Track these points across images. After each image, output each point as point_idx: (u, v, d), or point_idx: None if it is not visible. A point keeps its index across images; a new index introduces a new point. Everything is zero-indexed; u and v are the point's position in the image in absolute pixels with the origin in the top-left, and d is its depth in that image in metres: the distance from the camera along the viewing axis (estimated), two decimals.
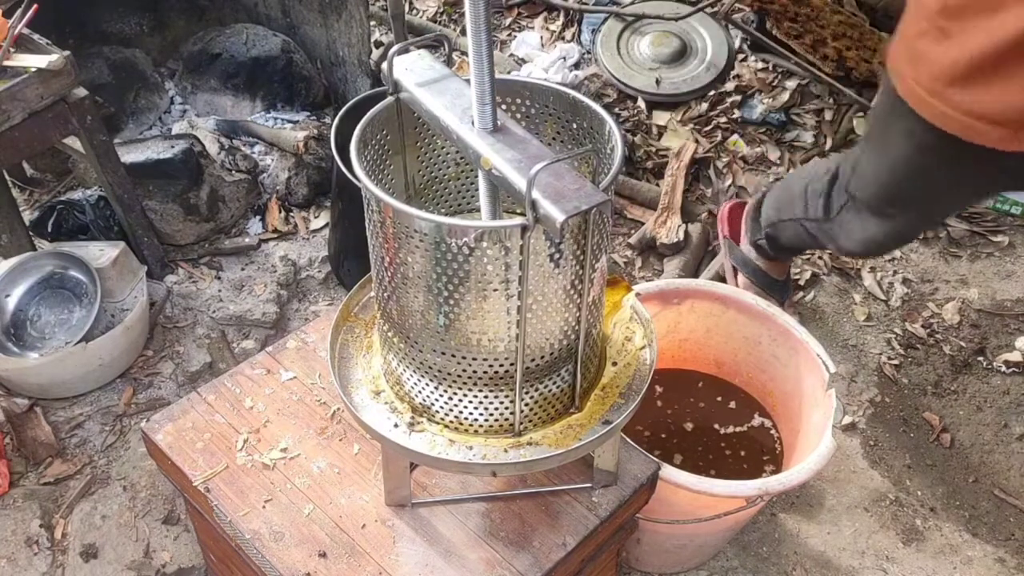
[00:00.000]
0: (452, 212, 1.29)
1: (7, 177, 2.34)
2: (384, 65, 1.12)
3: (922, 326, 2.51)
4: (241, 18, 3.02)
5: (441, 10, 3.58)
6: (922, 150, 1.56)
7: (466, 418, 1.15)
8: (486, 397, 1.13)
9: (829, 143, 2.96)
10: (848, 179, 1.82)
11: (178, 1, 2.97)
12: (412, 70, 1.11)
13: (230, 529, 1.33)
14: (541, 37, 3.38)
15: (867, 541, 2.04)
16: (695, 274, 2.59)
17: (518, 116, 1.18)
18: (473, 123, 1.03)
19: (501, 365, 1.09)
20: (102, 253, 2.23)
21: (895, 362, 2.41)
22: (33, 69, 1.94)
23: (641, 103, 3.06)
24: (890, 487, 2.14)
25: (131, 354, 2.25)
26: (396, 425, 1.19)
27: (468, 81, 1.04)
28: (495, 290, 1.01)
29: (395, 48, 1.10)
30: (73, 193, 2.56)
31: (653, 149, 2.91)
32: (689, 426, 2.06)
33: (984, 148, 1.42)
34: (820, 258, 2.67)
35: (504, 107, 1.16)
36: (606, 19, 3.29)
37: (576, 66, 3.21)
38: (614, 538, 1.43)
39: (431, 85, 1.09)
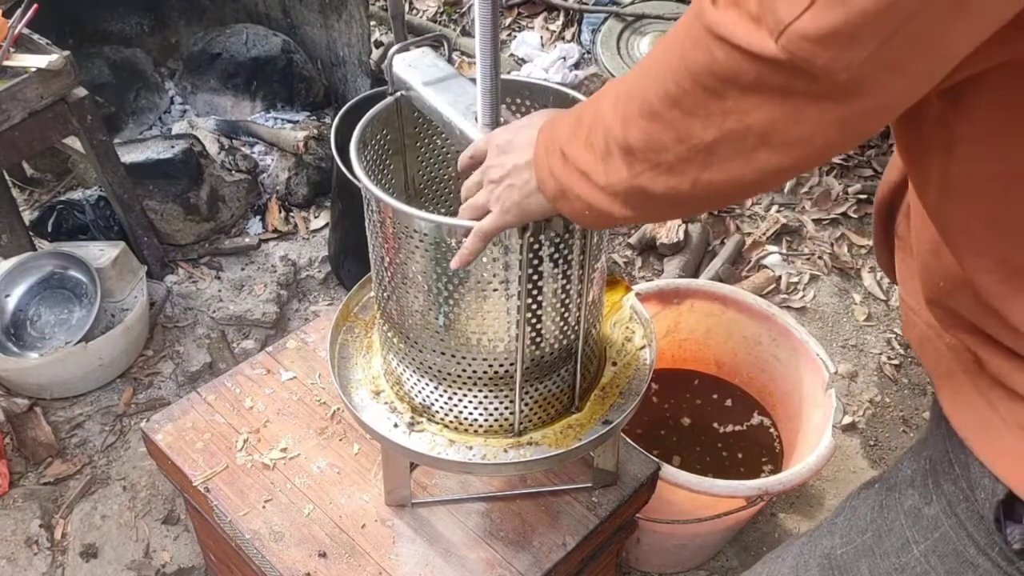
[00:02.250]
0: (452, 212, 1.29)
1: (7, 177, 2.33)
2: (385, 64, 1.12)
3: None
4: (241, 18, 3.02)
5: (441, 10, 3.58)
6: None
7: (466, 418, 1.15)
8: (486, 397, 1.13)
9: None
10: None
11: (178, 1, 2.97)
12: (416, 67, 1.11)
13: (230, 529, 1.33)
14: (541, 37, 3.38)
15: None
16: (695, 274, 2.59)
17: (519, 116, 1.18)
18: (476, 119, 1.03)
19: (501, 365, 1.09)
20: (102, 253, 2.23)
21: (895, 362, 2.41)
22: (33, 69, 1.94)
23: None
24: None
25: (131, 354, 2.25)
26: (396, 425, 1.18)
27: (471, 79, 1.04)
28: (495, 290, 1.01)
29: (395, 47, 1.10)
30: (73, 193, 2.56)
31: None
32: (688, 425, 2.06)
33: None
34: (820, 258, 2.67)
35: (504, 107, 1.16)
36: (606, 19, 3.29)
37: (576, 66, 3.21)
38: (614, 538, 1.43)
39: (435, 83, 1.09)
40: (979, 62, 0.64)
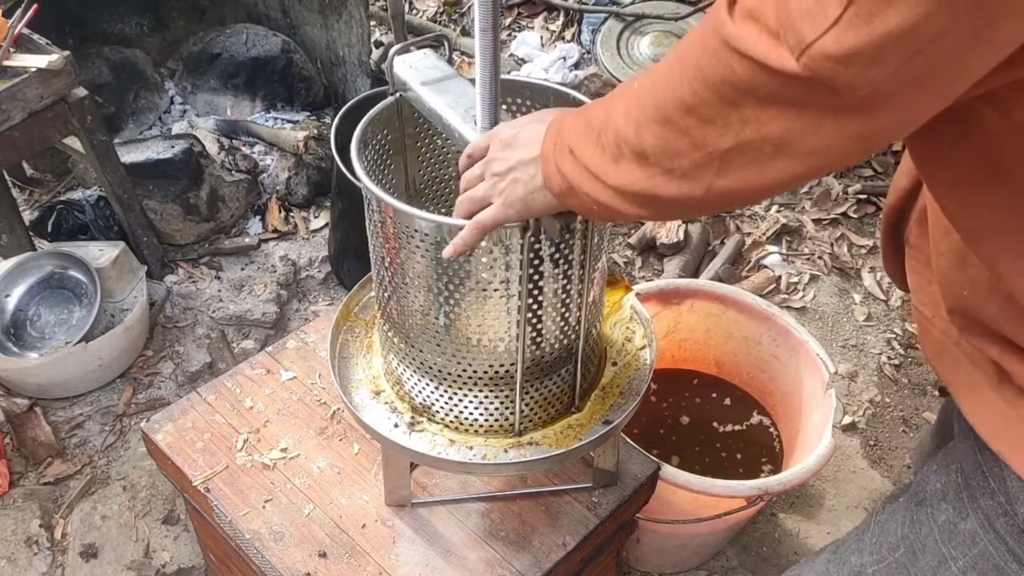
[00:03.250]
0: (452, 212, 1.29)
1: (7, 177, 2.33)
2: (385, 64, 1.12)
3: None
4: (241, 18, 3.02)
5: (441, 10, 3.58)
6: None
7: (466, 418, 1.15)
8: (486, 397, 1.13)
9: None
10: None
11: (178, 1, 2.97)
12: (416, 68, 1.11)
13: (230, 529, 1.32)
14: (541, 37, 3.38)
15: None
16: (695, 274, 2.59)
17: (519, 116, 1.17)
18: (476, 122, 1.03)
19: (501, 365, 1.09)
20: (102, 253, 2.23)
21: (895, 362, 2.41)
22: (33, 69, 1.94)
23: None
24: (890, 487, 2.14)
25: (131, 354, 2.25)
26: (396, 425, 1.18)
27: (471, 80, 1.04)
28: (495, 290, 1.01)
29: (395, 48, 1.10)
30: (73, 193, 2.56)
31: None
32: (687, 425, 2.05)
33: None
34: (820, 258, 2.67)
35: (504, 107, 1.16)
36: (606, 19, 3.29)
37: (576, 66, 3.21)
38: (614, 538, 1.43)
39: (434, 84, 1.09)
40: (1000, 77, 0.64)
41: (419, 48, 1.14)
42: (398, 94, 1.14)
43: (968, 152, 0.74)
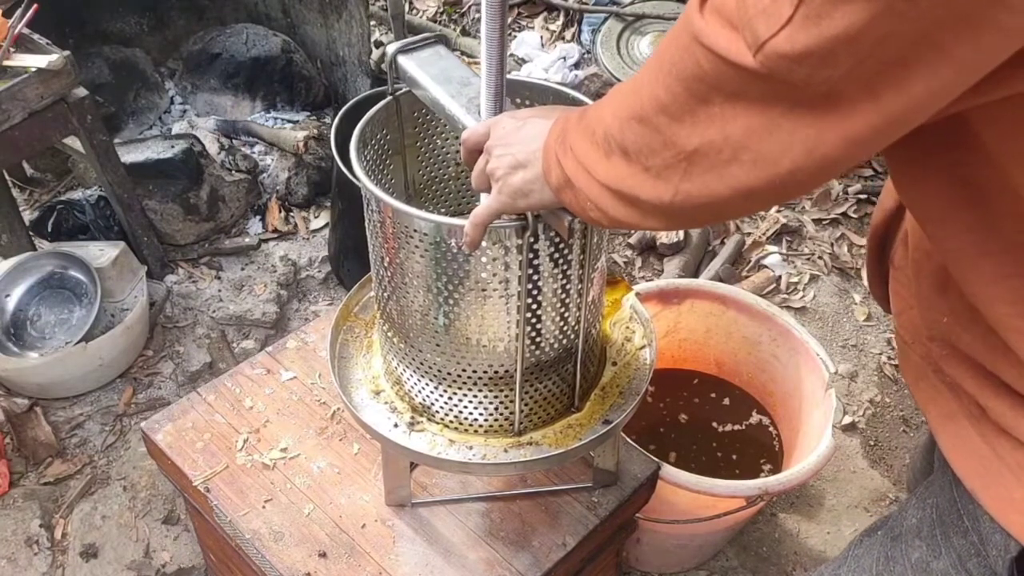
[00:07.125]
0: (452, 212, 1.29)
1: (7, 177, 2.33)
2: (386, 63, 1.12)
3: None
4: (241, 18, 3.02)
5: (441, 10, 3.58)
6: None
7: (466, 418, 1.15)
8: (486, 397, 1.13)
9: None
10: None
11: (178, 1, 2.97)
12: (420, 60, 1.11)
13: (230, 529, 1.33)
14: (541, 37, 3.38)
15: None
16: (695, 274, 2.59)
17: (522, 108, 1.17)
18: (480, 114, 1.03)
19: (501, 365, 1.09)
20: (102, 253, 2.23)
21: (895, 362, 2.41)
22: (33, 69, 1.94)
23: None
24: (890, 487, 2.14)
25: (131, 354, 2.25)
26: (396, 425, 1.18)
27: (475, 74, 1.04)
28: (495, 290, 1.01)
29: (396, 45, 1.10)
30: (73, 193, 2.56)
31: None
32: (687, 424, 2.05)
33: None
34: (820, 258, 2.67)
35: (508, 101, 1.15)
36: (606, 19, 3.29)
37: (576, 66, 3.21)
38: (614, 538, 1.43)
39: (438, 75, 1.08)
40: (965, 101, 0.63)
41: (420, 46, 1.13)
42: (397, 93, 1.14)
43: (940, 170, 0.74)
